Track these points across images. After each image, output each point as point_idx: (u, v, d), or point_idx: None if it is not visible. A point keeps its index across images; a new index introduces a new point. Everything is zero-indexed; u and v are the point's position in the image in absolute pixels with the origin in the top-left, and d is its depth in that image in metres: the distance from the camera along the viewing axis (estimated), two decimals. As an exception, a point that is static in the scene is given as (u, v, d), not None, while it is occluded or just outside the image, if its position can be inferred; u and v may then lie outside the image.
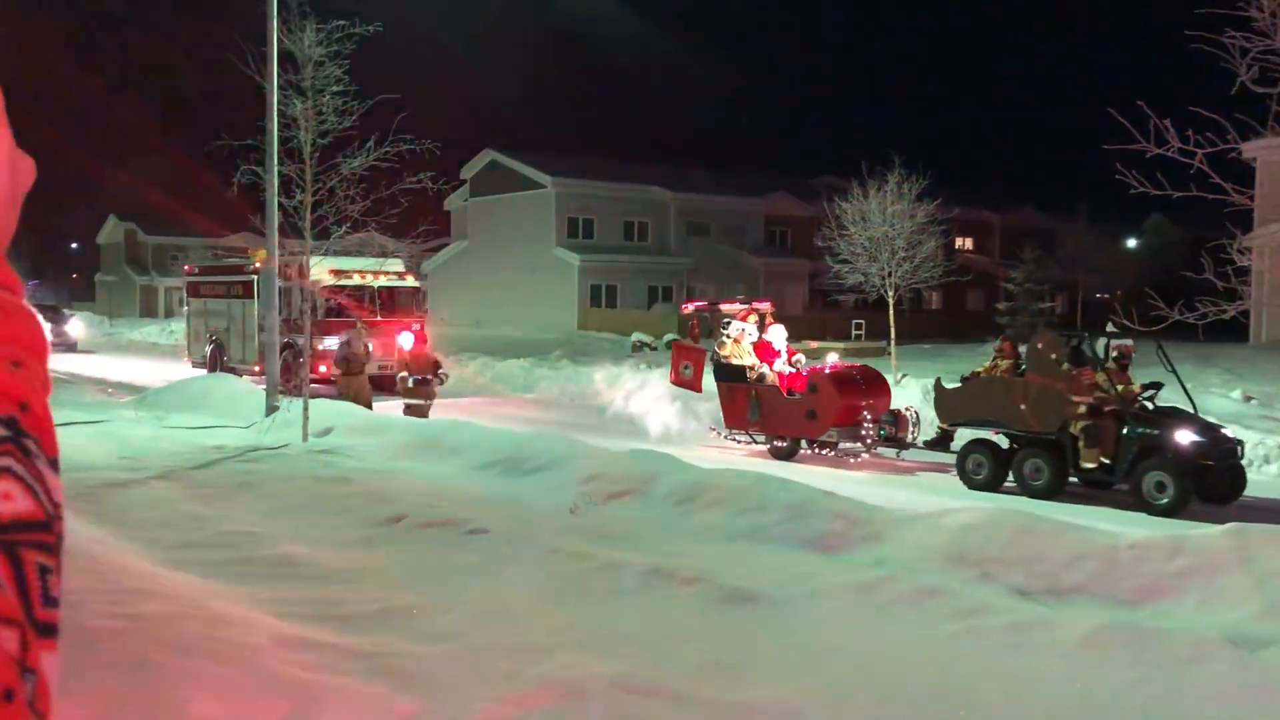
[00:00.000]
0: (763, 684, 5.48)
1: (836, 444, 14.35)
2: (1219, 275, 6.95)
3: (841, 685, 5.56)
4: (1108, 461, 11.81)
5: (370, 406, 16.49)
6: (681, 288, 47.95)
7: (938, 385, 14.06)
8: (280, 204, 14.95)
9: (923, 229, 27.83)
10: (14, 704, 0.66)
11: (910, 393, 18.74)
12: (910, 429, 14.21)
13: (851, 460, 14.21)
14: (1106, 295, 45.92)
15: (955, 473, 12.96)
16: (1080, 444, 11.87)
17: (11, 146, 0.82)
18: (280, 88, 14.47)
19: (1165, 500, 11.12)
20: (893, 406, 14.68)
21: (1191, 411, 12.11)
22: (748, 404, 14.90)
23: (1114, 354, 12.48)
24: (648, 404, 17.50)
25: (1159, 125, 6.18)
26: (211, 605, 6.22)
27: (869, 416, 14.07)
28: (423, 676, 5.41)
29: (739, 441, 15.33)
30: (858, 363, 16.83)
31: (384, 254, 22.09)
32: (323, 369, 20.51)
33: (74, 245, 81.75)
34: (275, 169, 14.79)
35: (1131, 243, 54.46)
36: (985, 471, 12.62)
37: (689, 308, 17.44)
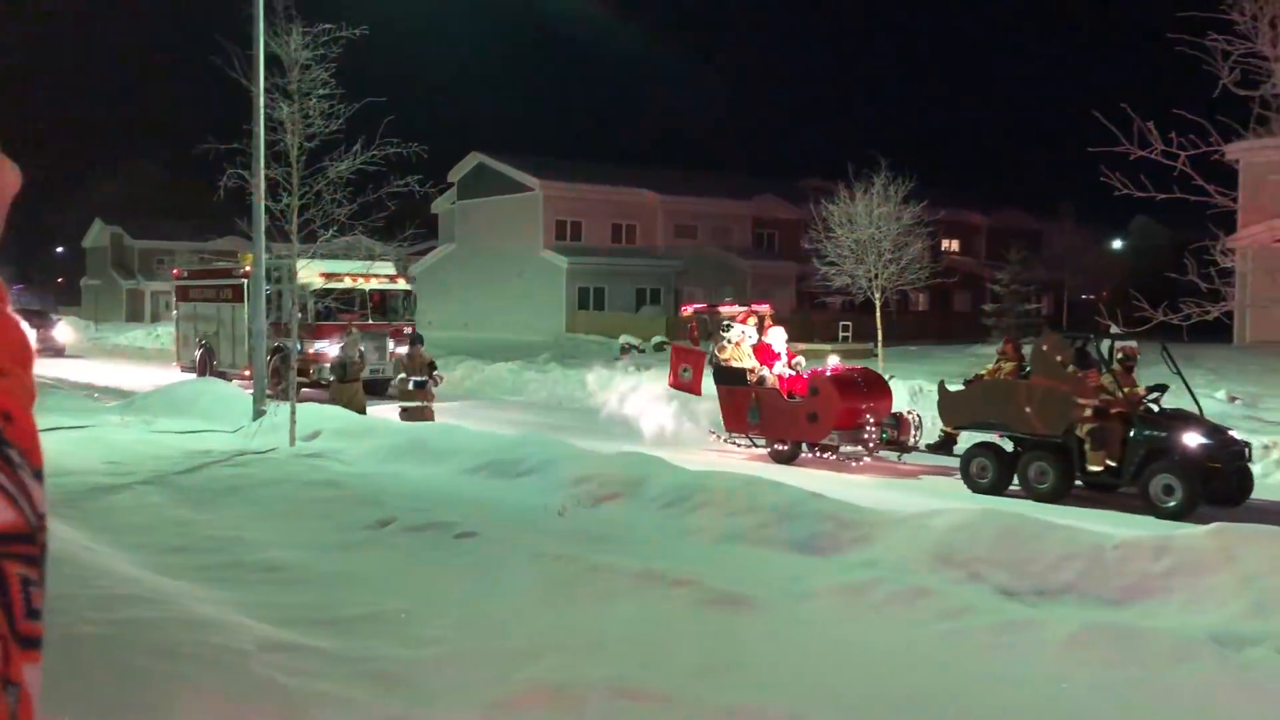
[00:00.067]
0: (752, 686, 5.48)
1: (837, 447, 14.19)
2: (1203, 276, 6.99)
3: (831, 686, 5.57)
4: (1114, 464, 11.69)
5: (364, 412, 16.41)
6: (669, 290, 47.97)
7: (941, 388, 13.93)
8: (267, 207, 14.92)
9: (909, 231, 27.90)
10: None
11: (898, 395, 18.75)
12: (912, 432, 14.07)
13: (853, 464, 14.01)
14: (1092, 296, 46.10)
15: (959, 476, 12.82)
16: (1086, 447, 11.74)
17: None
18: (267, 91, 14.44)
19: (1173, 503, 10.97)
20: (894, 409, 14.57)
21: (1198, 414, 12.01)
22: (748, 407, 14.75)
23: (1119, 355, 12.33)
24: (643, 407, 17.41)
25: (1142, 127, 6.22)
26: (198, 610, 6.20)
27: (871, 420, 13.88)
28: (410, 681, 5.40)
29: (739, 445, 15.15)
30: (859, 365, 16.70)
31: (371, 257, 22.04)
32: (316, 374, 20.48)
33: (59, 249, 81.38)
34: (262, 172, 14.75)
35: (1117, 244, 54.70)
36: (990, 475, 12.45)
37: (688, 310, 17.22)
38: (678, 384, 16.22)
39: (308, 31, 13.92)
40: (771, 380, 14.90)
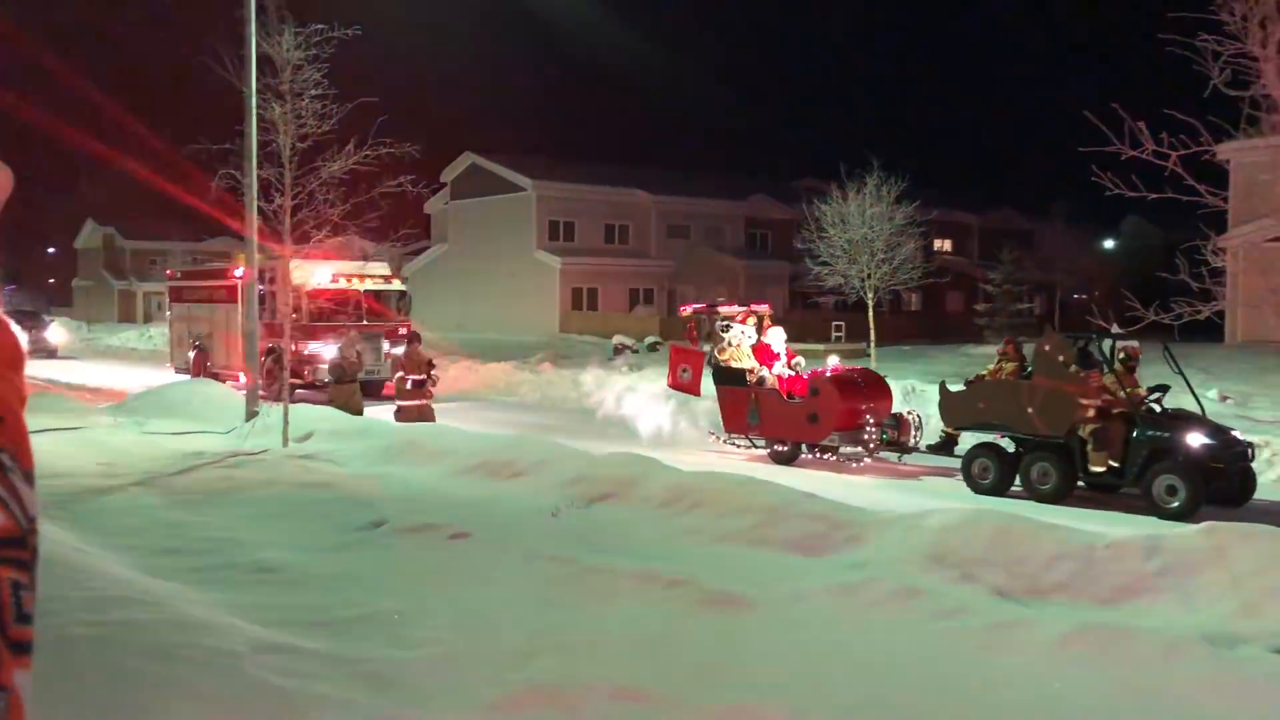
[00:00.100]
0: (746, 686, 5.49)
1: (837, 448, 14.13)
2: (1194, 276, 7.01)
3: (825, 686, 5.58)
4: (1116, 465, 11.65)
5: (361, 414, 16.36)
6: (663, 290, 48.00)
7: (942, 388, 13.87)
8: (260, 208, 14.89)
9: (901, 231, 27.96)
10: None
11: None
12: (913, 433, 14.03)
13: (854, 465, 13.93)
14: (1084, 296, 46.21)
15: (960, 477, 12.76)
16: (1089, 447, 11.69)
17: None
18: (259, 91, 14.41)
19: (1177, 504, 10.92)
20: (894, 410, 14.53)
21: (1200, 414, 11.98)
22: (747, 408, 14.67)
23: (1120, 355, 12.29)
24: (640, 407, 17.36)
25: (1134, 127, 6.24)
26: (191, 612, 6.19)
27: (871, 420, 13.82)
28: (405, 682, 5.40)
29: (739, 446, 15.07)
30: (858, 365, 16.62)
31: (365, 257, 22.00)
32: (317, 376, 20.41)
33: (51, 250, 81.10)
34: (255, 173, 14.73)
35: (1109, 244, 54.83)
36: (992, 476, 12.40)
37: (686, 310, 17.11)
38: (677, 384, 16.12)
39: (300, 32, 13.90)
40: (771, 381, 14.82)
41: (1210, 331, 18.36)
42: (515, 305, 45.85)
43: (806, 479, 12.36)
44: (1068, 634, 6.14)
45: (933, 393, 18.89)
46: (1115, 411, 11.80)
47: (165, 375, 24.59)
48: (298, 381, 20.88)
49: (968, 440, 13.44)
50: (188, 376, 23.65)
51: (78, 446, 13.54)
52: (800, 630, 6.53)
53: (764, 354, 15.33)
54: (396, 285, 23.45)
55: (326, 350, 20.31)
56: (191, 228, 57.55)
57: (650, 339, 36.65)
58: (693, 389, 15.91)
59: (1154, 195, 6.68)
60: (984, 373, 14.33)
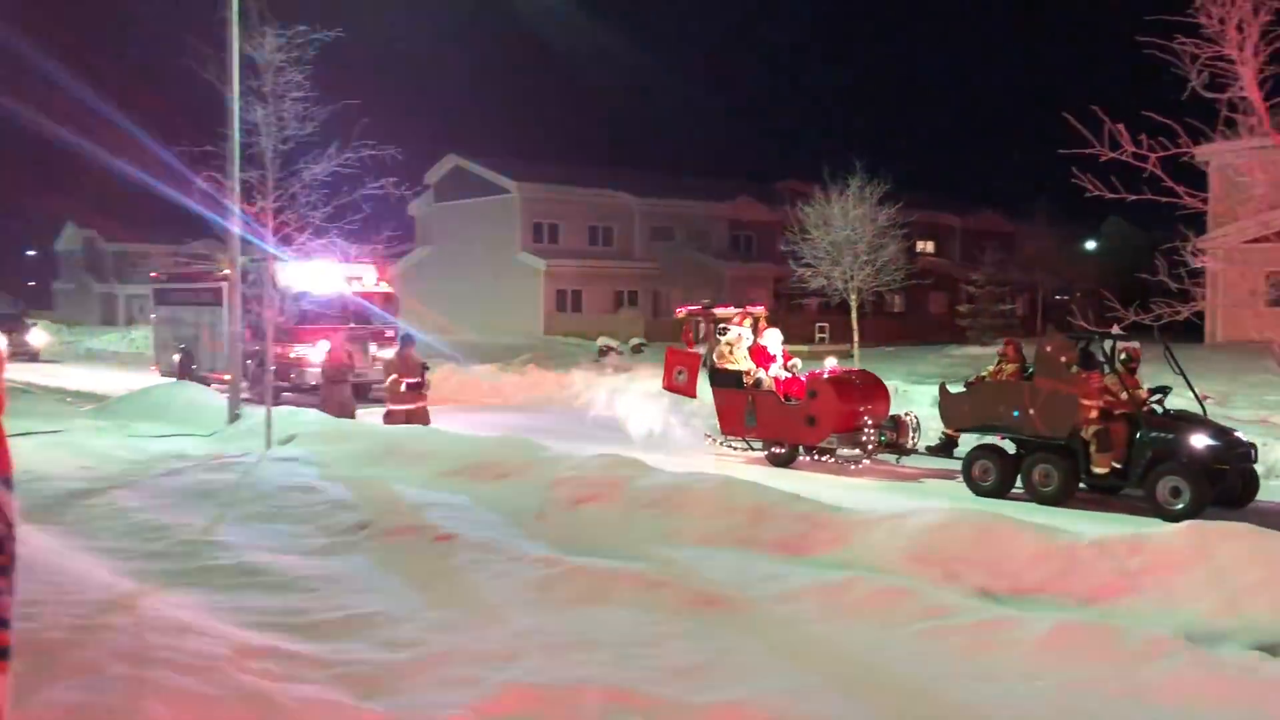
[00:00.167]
0: (730, 686, 5.50)
1: (835, 450, 14.06)
2: (1173, 277, 7.07)
3: (809, 687, 5.60)
4: (1119, 466, 11.61)
5: (354, 416, 16.29)
6: (647, 292, 48.05)
7: (942, 390, 13.79)
8: (242, 210, 14.84)
9: (884, 232, 28.08)
10: None
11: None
12: (911, 435, 13.98)
13: (852, 467, 13.85)
14: (1065, 297, 46.45)
15: (961, 479, 12.70)
16: (1092, 449, 11.64)
17: None
18: (241, 94, 14.37)
19: (1180, 505, 10.87)
20: (892, 412, 14.48)
21: (1203, 415, 11.95)
22: (744, 410, 14.59)
23: (1121, 356, 12.23)
24: (633, 410, 17.31)
25: (1113, 130, 6.29)
26: (174, 615, 6.16)
27: (869, 422, 13.77)
28: (387, 684, 5.39)
29: (735, 448, 15.01)
30: (855, 367, 16.52)
31: (348, 260, 21.90)
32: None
33: (30, 252, 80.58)
34: (237, 175, 14.68)
35: (1090, 245, 55.15)
36: (993, 478, 12.33)
37: (682, 312, 16.98)
38: (672, 386, 16.00)
39: (282, 34, 13.87)
40: (768, 383, 14.76)
41: (1190, 332, 18.49)
42: (499, 308, 45.79)
43: (805, 482, 12.35)
44: (1050, 632, 6.18)
45: (917, 394, 18.98)
46: (1118, 413, 11.75)
47: (148, 378, 24.46)
48: (284, 384, 20.81)
49: (967, 442, 13.35)
50: (173, 379, 23.52)
51: (59, 450, 13.46)
52: (785, 630, 6.55)
53: (760, 356, 15.25)
54: (384, 287, 23.32)
55: (313, 353, 20.23)
56: (173, 230, 57.21)
57: (635, 341, 36.68)
58: (688, 391, 15.80)
59: (1133, 197, 6.72)
60: (984, 374, 14.26)
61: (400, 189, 14.81)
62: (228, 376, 17.19)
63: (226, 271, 20.84)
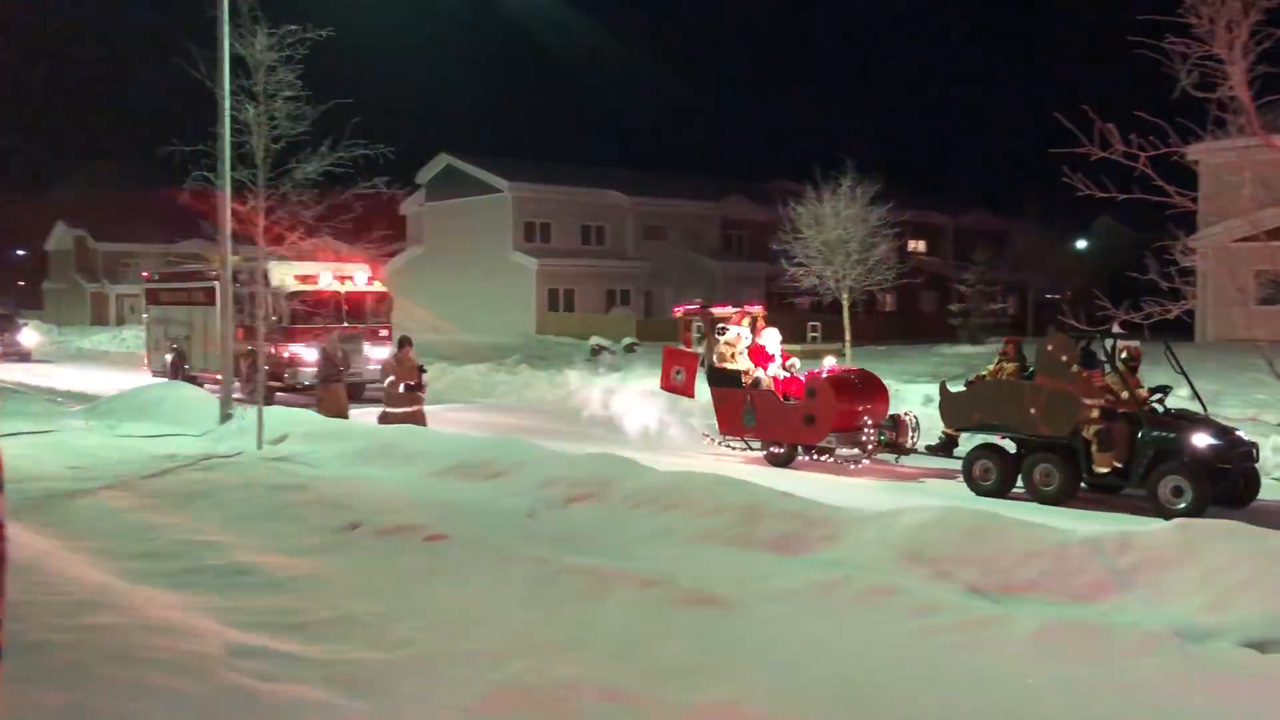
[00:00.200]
0: (722, 685, 5.51)
1: (834, 450, 14.02)
2: (1164, 276, 7.08)
3: (800, 685, 5.61)
4: (1121, 466, 11.57)
5: (346, 416, 16.24)
6: (639, 292, 48.05)
7: (943, 389, 13.70)
8: (233, 210, 14.80)
9: (876, 232, 28.14)
10: None
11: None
12: (910, 434, 13.93)
13: (851, 466, 13.80)
14: (1056, 295, 46.58)
15: (962, 479, 12.64)
16: (1094, 448, 11.60)
17: None
18: (232, 93, 14.33)
19: (1183, 505, 10.81)
20: (891, 411, 14.42)
21: (1205, 414, 11.90)
22: (743, 409, 14.53)
23: (1122, 355, 12.15)
24: (628, 408, 17.24)
25: (1103, 129, 6.30)
26: (164, 616, 6.15)
27: (869, 422, 13.72)
28: (378, 684, 5.38)
29: (734, 448, 14.96)
30: (854, 366, 16.47)
31: (340, 259, 21.85)
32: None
33: (20, 252, 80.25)
34: (229, 175, 14.64)
35: (1081, 244, 55.32)
36: (993, 477, 12.29)
37: (680, 311, 16.88)
38: (670, 386, 15.95)
39: (273, 33, 13.83)
40: (767, 382, 14.70)
41: (1181, 330, 18.54)
42: (491, 307, 45.76)
43: (804, 482, 12.33)
44: (1041, 630, 6.20)
45: (908, 393, 18.99)
46: (1120, 412, 11.72)
47: (140, 378, 24.38)
48: (277, 384, 20.75)
49: (968, 442, 13.27)
50: (164, 379, 23.43)
51: (49, 450, 13.42)
52: (777, 628, 6.56)
53: (759, 355, 15.20)
54: (377, 287, 23.20)
55: (307, 352, 20.18)
56: (164, 230, 57.08)
57: (627, 340, 36.66)
58: (686, 391, 15.75)
59: (1123, 196, 6.74)
60: (984, 373, 14.18)
61: (392, 188, 14.78)
62: (220, 376, 17.15)
63: (219, 270, 20.79)
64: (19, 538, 7.44)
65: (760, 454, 14.70)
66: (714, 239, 50.79)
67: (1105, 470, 11.64)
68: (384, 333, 22.35)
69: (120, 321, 60.49)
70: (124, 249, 65.00)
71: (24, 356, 35.61)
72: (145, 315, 27.81)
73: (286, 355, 20.97)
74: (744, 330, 15.29)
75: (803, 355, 17.40)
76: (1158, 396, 12.02)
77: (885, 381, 15.50)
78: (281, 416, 15.29)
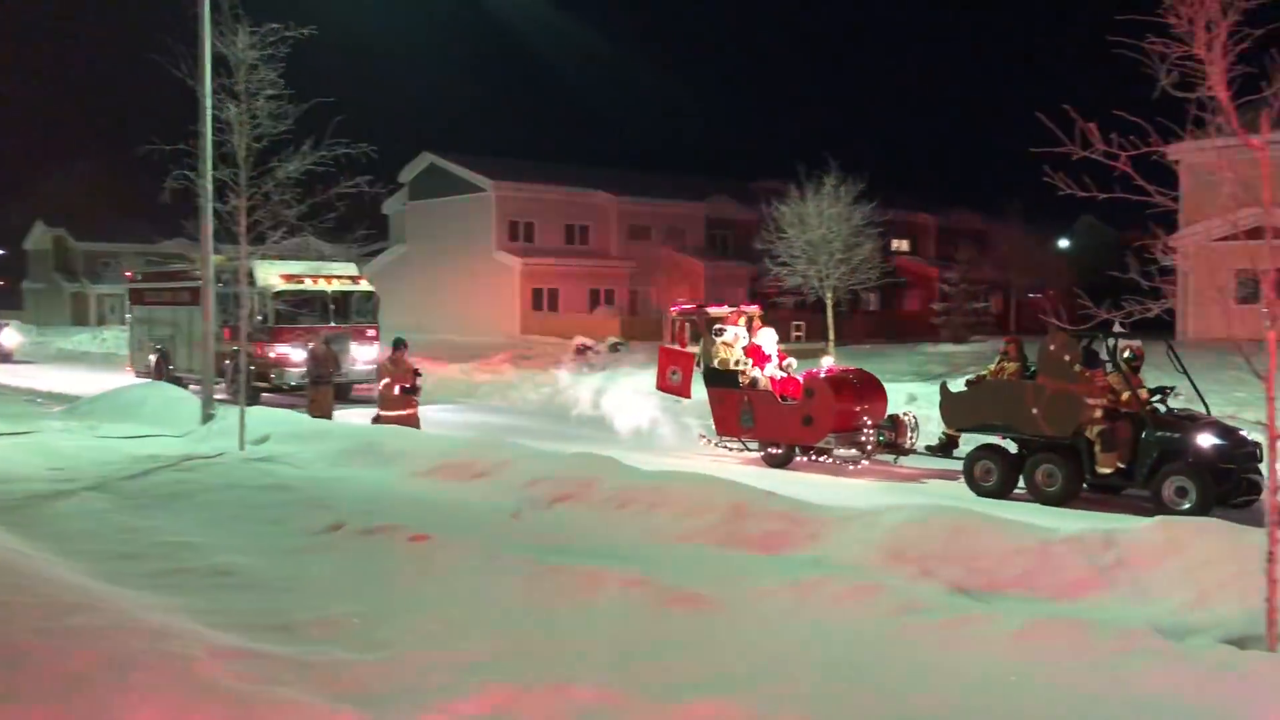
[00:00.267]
0: (709, 684, 5.51)
1: (833, 450, 13.98)
2: (1144, 275, 7.11)
3: (787, 683, 5.61)
4: (1124, 466, 11.51)
5: (330, 417, 16.14)
6: (624, 291, 48.02)
7: (943, 389, 13.63)
8: (215, 209, 14.73)
9: (859, 231, 28.23)
10: None
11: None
12: (909, 434, 13.91)
13: (850, 467, 13.75)
14: (1039, 295, 46.79)
15: (962, 480, 12.60)
16: (1097, 448, 11.55)
17: None
18: (214, 91, 14.26)
19: (1187, 505, 10.74)
20: (890, 411, 14.39)
21: (1208, 414, 11.84)
22: (740, 410, 14.46)
23: (1125, 355, 12.07)
24: (619, 407, 17.18)
25: (1084, 128, 6.33)
26: (146, 618, 6.11)
27: (867, 422, 13.68)
28: (362, 686, 5.36)
29: (731, 449, 14.91)
30: (853, 366, 16.47)
31: (321, 258, 21.76)
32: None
33: (-1, 251, 79.55)
34: (210, 174, 14.57)
35: (1063, 243, 55.56)
36: (995, 478, 12.24)
37: (675, 311, 16.81)
38: (666, 386, 15.86)
39: (255, 31, 13.76)
40: (764, 382, 14.63)
41: (1163, 329, 18.64)
42: (475, 306, 45.65)
43: (802, 483, 12.32)
44: (1024, 627, 6.22)
45: (892, 391, 19.02)
46: (1123, 412, 11.66)
47: (122, 378, 24.22)
48: (263, 385, 20.65)
49: (968, 442, 13.23)
50: (146, 380, 23.26)
51: (28, 451, 13.33)
52: (762, 627, 6.57)
53: (755, 355, 15.13)
54: (364, 287, 23.03)
55: (294, 353, 20.07)
56: (145, 229, 56.76)
57: (612, 340, 36.64)
58: (682, 391, 15.67)
59: (1105, 195, 6.76)
60: (985, 373, 14.13)
61: (374, 187, 14.72)
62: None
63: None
64: (-2, 540, 7.39)
65: (758, 455, 14.64)
66: (699, 238, 50.80)
67: (1109, 470, 11.58)
68: (371, 332, 22.26)
69: (101, 322, 60.09)
70: (104, 248, 64.63)
71: (5, 357, 35.39)
72: (129, 315, 27.58)
73: (273, 355, 20.85)
74: (741, 330, 15.24)
75: (789, 355, 17.41)
76: (1159, 396, 11.95)
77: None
78: (264, 417, 15.21)
